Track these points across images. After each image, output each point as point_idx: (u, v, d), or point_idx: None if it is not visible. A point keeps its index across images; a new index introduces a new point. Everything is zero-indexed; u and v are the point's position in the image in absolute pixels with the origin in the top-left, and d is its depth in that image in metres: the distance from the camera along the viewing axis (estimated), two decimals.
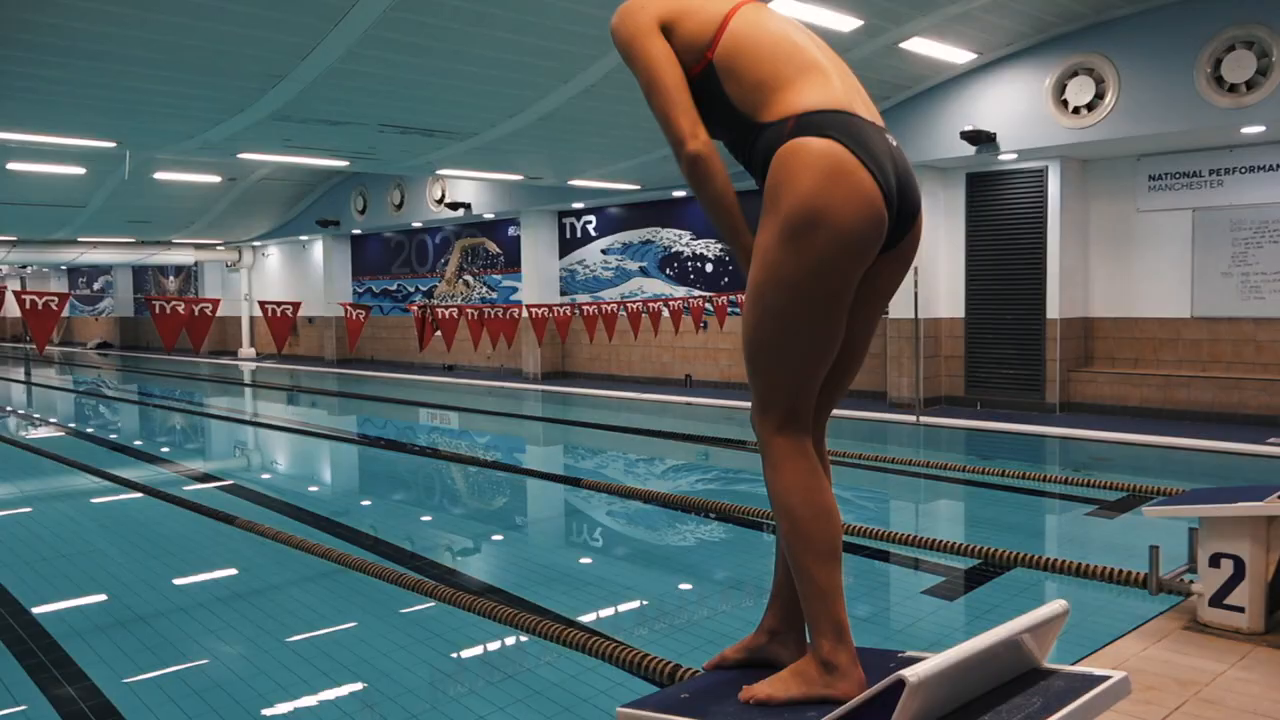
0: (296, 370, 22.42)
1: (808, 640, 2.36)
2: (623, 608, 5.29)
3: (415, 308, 8.67)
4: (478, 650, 4.61)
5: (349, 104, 9.36)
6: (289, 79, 8.30)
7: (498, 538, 7.26)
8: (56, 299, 4.60)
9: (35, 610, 5.27)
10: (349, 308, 9.49)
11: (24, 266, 37.44)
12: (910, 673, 1.64)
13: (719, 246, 16.10)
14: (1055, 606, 2.04)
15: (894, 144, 2.19)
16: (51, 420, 15.25)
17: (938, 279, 12.77)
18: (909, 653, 2.41)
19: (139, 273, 34.83)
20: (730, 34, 2.20)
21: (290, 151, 11.66)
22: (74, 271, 39.08)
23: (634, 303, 11.23)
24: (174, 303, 5.95)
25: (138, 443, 12.26)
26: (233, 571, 6.13)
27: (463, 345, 19.54)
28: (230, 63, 8.19)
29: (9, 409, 16.62)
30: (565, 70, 9.18)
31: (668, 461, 10.34)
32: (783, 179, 2.08)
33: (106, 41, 7.43)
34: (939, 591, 5.33)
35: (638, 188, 15.41)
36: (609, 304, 11.30)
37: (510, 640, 4.67)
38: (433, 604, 5.16)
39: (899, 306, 11.79)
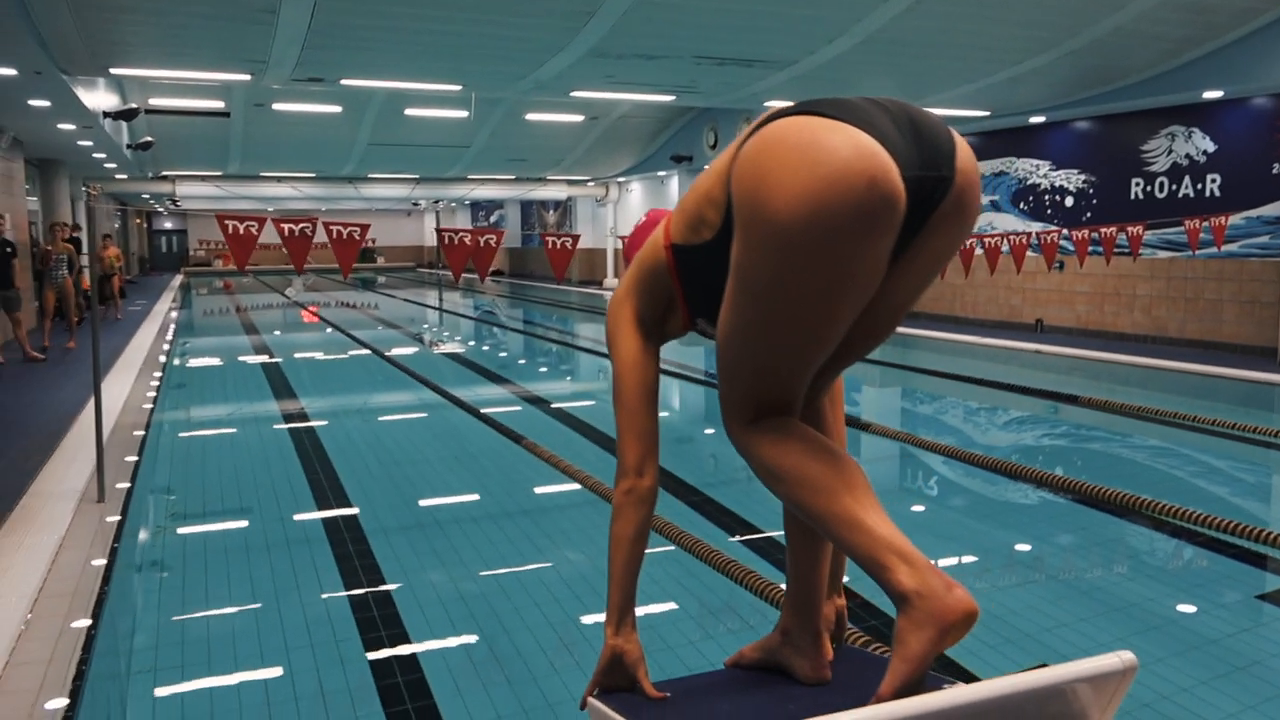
0: None
1: (827, 642, 2.09)
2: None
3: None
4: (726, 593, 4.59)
5: (661, 36, 9.42)
6: (599, 15, 8.51)
7: None
8: (359, 229, 5.13)
9: (355, 509, 5.98)
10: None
11: (437, 201, 42.23)
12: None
13: (1081, 177, 14.50)
14: (1119, 660, 1.59)
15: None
16: (423, 338, 17.16)
17: None
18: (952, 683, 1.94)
19: (525, 207, 38.07)
20: None
21: (615, 88, 12.01)
22: (475, 205, 43.53)
23: (991, 237, 10.42)
24: (563, 239, 6.46)
25: (494, 363, 13.50)
26: (523, 489, 6.55)
27: None
28: (543, 3, 8.55)
29: (389, 326, 19.01)
30: None
31: (1010, 416, 9.54)
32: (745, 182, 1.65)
33: None
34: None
35: (986, 114, 14.20)
36: (973, 238, 10.57)
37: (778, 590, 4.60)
38: (672, 548, 5.20)
39: None
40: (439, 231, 5.25)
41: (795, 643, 2.10)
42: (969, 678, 3.59)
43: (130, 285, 28.12)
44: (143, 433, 7.90)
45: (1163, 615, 4.24)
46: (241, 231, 5.00)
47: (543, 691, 3.59)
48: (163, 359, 12.84)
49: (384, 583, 4.68)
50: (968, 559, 5.11)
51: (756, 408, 1.82)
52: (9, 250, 11.67)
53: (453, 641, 4.03)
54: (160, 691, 3.60)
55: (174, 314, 20.48)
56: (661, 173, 25.81)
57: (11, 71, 9.51)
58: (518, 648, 3.94)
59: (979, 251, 10.15)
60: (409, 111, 19.57)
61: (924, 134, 1.67)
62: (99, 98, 13.87)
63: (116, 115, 14.36)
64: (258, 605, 4.43)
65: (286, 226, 5.14)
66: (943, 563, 5.02)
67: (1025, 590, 4.53)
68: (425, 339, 17.11)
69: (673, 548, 4.99)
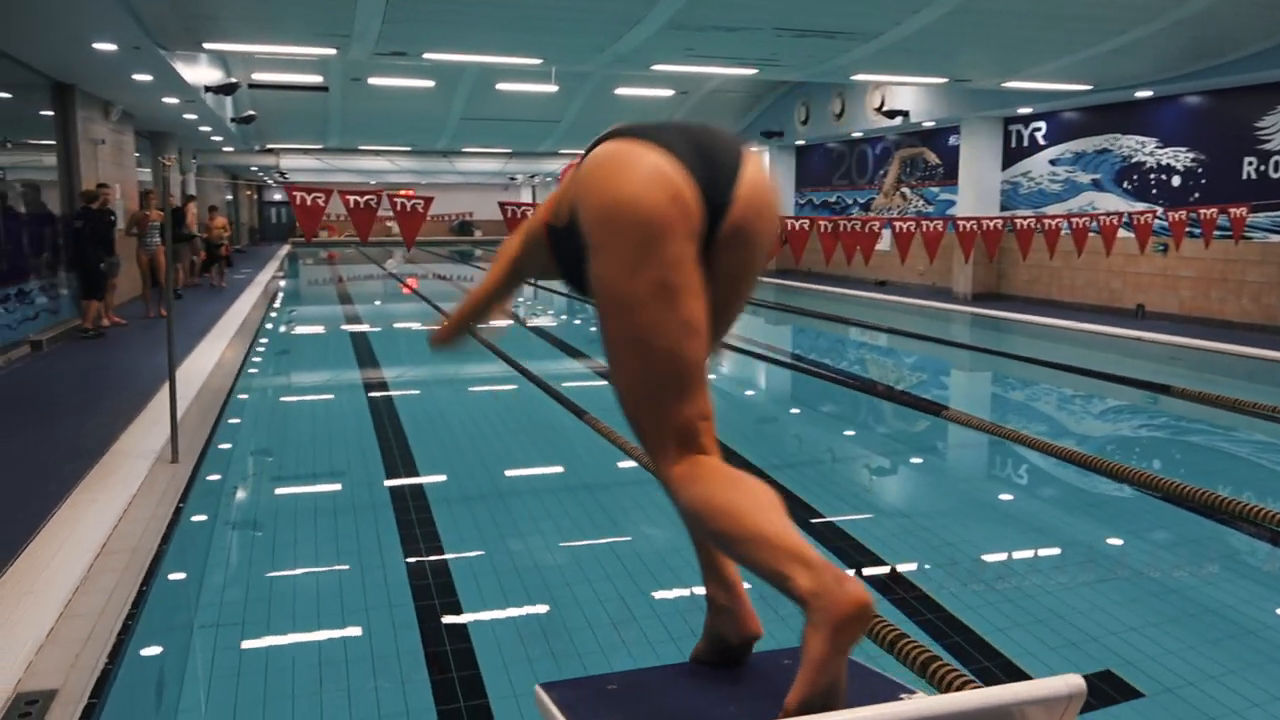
0: None
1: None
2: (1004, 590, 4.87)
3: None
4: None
5: (740, 8, 9.19)
6: None
7: (892, 486, 6.99)
8: (422, 202, 5.17)
9: (422, 478, 6.07)
10: (819, 220, 9.22)
11: (533, 176, 42.52)
12: None
13: (1189, 155, 13.78)
14: (1066, 684, 1.49)
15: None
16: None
17: None
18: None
19: None
20: None
21: (696, 61, 11.79)
22: None
23: (1079, 217, 9.97)
24: None
25: (570, 336, 13.55)
26: (583, 465, 6.55)
27: (896, 261, 18.92)
28: None
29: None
30: None
31: (1105, 406, 9.16)
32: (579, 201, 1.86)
33: None
34: None
35: (1088, 88, 13.56)
36: (1051, 218, 10.15)
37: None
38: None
39: None
40: (502, 205, 5.25)
41: (719, 609, 2.10)
42: (1024, 679, 3.45)
43: (239, 255, 29.10)
44: (226, 397, 8.16)
45: (1242, 625, 4.00)
46: (309, 203, 5.08)
47: (586, 669, 3.56)
48: (257, 326, 13.25)
49: (442, 552, 4.73)
50: (1045, 552, 4.93)
51: (675, 433, 1.79)
52: (111, 219, 12.15)
53: (503, 614, 4.05)
54: (215, 647, 3.71)
55: (275, 283, 21.11)
56: (753, 148, 25.48)
57: (112, 47, 9.87)
58: (566, 624, 3.93)
59: (1065, 231, 9.72)
60: (500, 86, 19.71)
61: (713, 161, 1.81)
62: (201, 73, 14.31)
63: (217, 90, 14.81)
64: (317, 568, 4.53)
65: (352, 198, 5.21)
66: (1016, 555, 4.86)
67: (1095, 590, 4.33)
68: (505, 311, 17.27)
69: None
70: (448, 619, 3.95)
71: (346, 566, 4.57)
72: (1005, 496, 6.10)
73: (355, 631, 3.85)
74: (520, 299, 19.81)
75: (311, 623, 3.91)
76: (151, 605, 3.95)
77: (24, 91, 11.54)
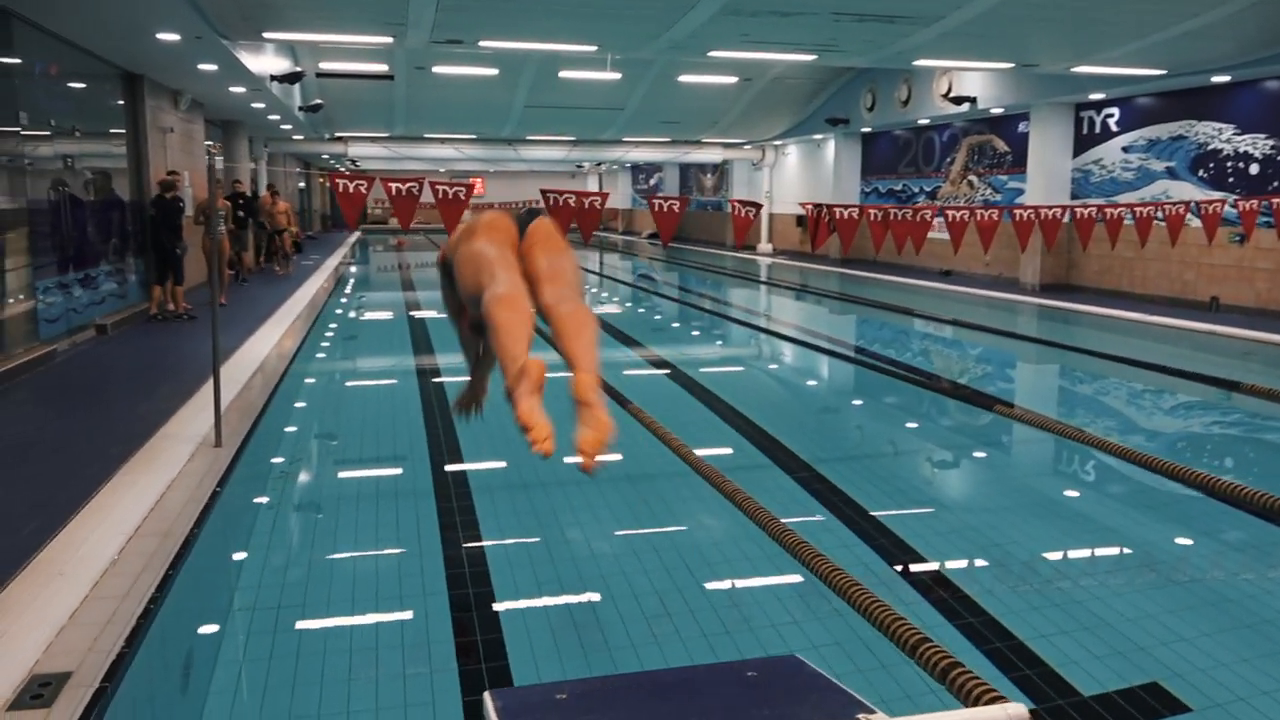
0: (805, 268, 22.99)
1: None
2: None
3: (810, 206, 8.27)
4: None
5: None
6: None
7: (946, 482, 6.82)
8: (464, 189, 5.14)
9: (465, 465, 6.06)
10: (868, 209, 8.98)
11: (599, 164, 42.58)
12: None
13: (1269, 142, 13.17)
14: (1005, 713, 1.42)
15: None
16: None
17: None
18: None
19: (683, 170, 37.93)
20: None
21: (753, 47, 11.56)
22: (635, 169, 43.71)
23: (1142, 206, 9.61)
24: (670, 203, 6.43)
25: (626, 324, 13.50)
26: (625, 455, 6.47)
27: (963, 251, 18.49)
28: None
29: None
30: None
31: (1175, 402, 8.83)
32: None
33: None
34: None
35: (1161, 73, 13.02)
36: (1114, 207, 9.79)
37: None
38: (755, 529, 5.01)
39: None
40: (543, 192, 5.20)
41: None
42: (1069, 691, 3.31)
43: (310, 241, 29.57)
44: (277, 383, 8.27)
45: None
46: (351, 190, 5.09)
47: (616, 664, 3.53)
48: (317, 313, 13.45)
49: (480, 540, 4.72)
50: (1098, 555, 4.74)
51: (490, 289, 2.62)
52: (180, 205, 12.43)
53: (537, 604, 4.03)
54: (240, 632, 3.73)
55: (340, 269, 21.43)
56: (818, 136, 25.13)
57: (175, 37, 10.05)
58: (599, 617, 3.89)
59: (1128, 221, 9.35)
60: (563, 74, 19.70)
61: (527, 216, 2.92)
62: (267, 62, 14.54)
63: (283, 79, 15.03)
64: (353, 554, 4.55)
65: (394, 185, 5.22)
66: (1072, 554, 4.70)
67: (1147, 596, 4.16)
68: None
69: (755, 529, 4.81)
70: (481, 609, 3.92)
71: (383, 553, 4.58)
72: (1062, 496, 5.89)
73: (388, 618, 3.84)
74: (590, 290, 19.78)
75: (345, 609, 3.92)
76: (177, 589, 3.98)
77: (96, 81, 11.83)
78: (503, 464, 6.17)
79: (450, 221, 5.18)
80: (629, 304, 17.49)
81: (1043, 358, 11.42)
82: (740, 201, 6.14)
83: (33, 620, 3.50)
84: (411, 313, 14.80)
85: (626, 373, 9.53)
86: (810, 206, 8.19)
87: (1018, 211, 9.29)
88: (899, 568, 4.42)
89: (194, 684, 3.53)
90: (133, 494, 4.89)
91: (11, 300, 8.71)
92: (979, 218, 8.54)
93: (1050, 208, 9.02)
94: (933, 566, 4.46)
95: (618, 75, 20.11)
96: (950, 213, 8.27)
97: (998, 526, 5.09)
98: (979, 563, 4.57)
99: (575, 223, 5.50)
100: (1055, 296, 15.62)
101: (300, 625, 3.77)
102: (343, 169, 39.96)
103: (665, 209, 5.48)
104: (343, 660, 3.50)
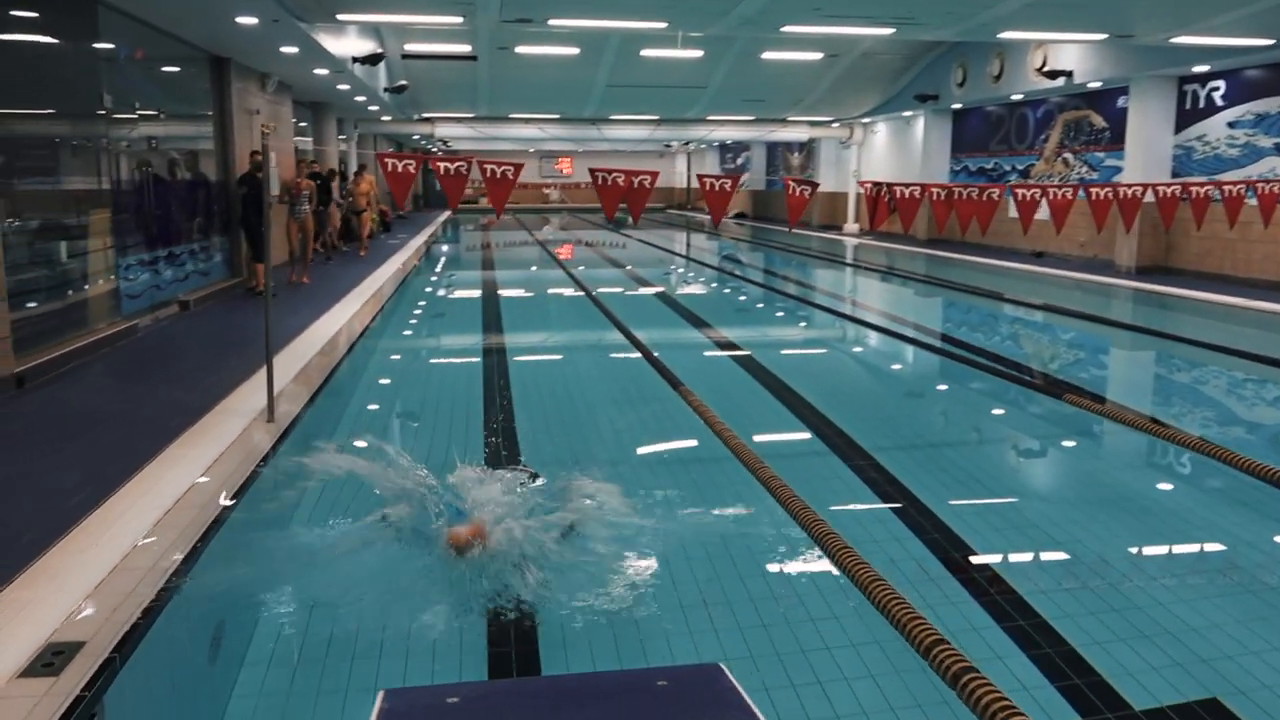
0: (891, 248, 22.45)
1: None
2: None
3: (868, 185, 7.91)
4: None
5: None
6: None
7: (1015, 475, 6.54)
8: (512, 169, 5.05)
9: (519, 445, 6.00)
10: (930, 188, 8.57)
11: (688, 143, 42.29)
12: None
13: None
14: None
15: None
16: (638, 278, 17.18)
17: None
18: None
19: (771, 149, 37.39)
20: None
21: (826, 21, 11.16)
22: (723, 148, 43.30)
23: (1232, 184, 9.03)
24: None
25: (698, 306, 13.34)
26: (674, 437, 6.33)
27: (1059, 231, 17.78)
28: None
29: (612, 265, 19.21)
30: None
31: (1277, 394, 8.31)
32: None
33: None
34: None
35: (1270, 43, 12.16)
36: (1229, 184, 9.20)
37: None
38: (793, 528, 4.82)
39: None
40: (592, 171, 5.08)
41: None
42: (1120, 703, 3.10)
43: (400, 220, 29.99)
44: (340, 360, 8.36)
45: None
46: (400, 170, 5.06)
47: (647, 657, 3.44)
48: (393, 292, 13.61)
49: None
50: (1172, 557, 4.44)
51: None
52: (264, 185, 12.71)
53: (569, 593, 3.86)
54: (268, 611, 3.68)
55: (424, 249, 21.71)
56: (907, 113, 24.44)
57: (253, 20, 10.23)
58: (634, 610, 3.73)
59: (1215, 200, 8.76)
60: (644, 52, 19.53)
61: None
62: (349, 44, 14.72)
63: (363, 60, 15.21)
64: (387, 537, 4.48)
65: (442, 165, 5.16)
66: (1142, 557, 4.42)
67: (1216, 605, 3.87)
68: (640, 279, 17.13)
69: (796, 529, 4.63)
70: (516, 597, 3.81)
71: (420, 536, 4.50)
72: (1138, 493, 5.55)
73: (424, 600, 3.71)
74: (667, 271, 19.70)
75: (372, 592, 3.82)
76: (203, 563, 3.98)
77: (184, 65, 12.15)
78: (551, 444, 6.10)
79: (497, 200, 5.11)
80: (704, 284, 17.30)
81: (1136, 345, 10.86)
82: (795, 180, 5.93)
83: (60, 589, 3.56)
84: (485, 293, 14.88)
85: (689, 353, 9.40)
86: (869, 185, 7.88)
87: (1095, 190, 8.74)
88: (941, 562, 4.21)
89: (203, 658, 3.52)
90: (180, 467, 4.97)
91: (95, 277, 9.00)
92: (1053, 196, 8.10)
93: (1130, 186, 8.50)
94: (986, 562, 4.23)
95: (699, 53, 19.86)
96: (1019, 191, 7.87)
97: (1062, 524, 4.80)
98: (1037, 561, 4.33)
99: (625, 201, 5.37)
100: (1153, 280, 14.88)
101: (320, 607, 3.70)
102: (435, 150, 40.52)
103: (716, 188, 5.31)
104: (373, 644, 3.43)
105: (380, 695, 1.81)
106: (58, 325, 8.08)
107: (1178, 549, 4.61)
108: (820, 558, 4.21)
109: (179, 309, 10.92)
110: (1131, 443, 6.59)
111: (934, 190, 7.34)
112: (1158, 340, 10.79)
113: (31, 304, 7.67)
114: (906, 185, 7.13)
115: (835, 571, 4.07)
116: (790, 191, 6.49)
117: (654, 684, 1.86)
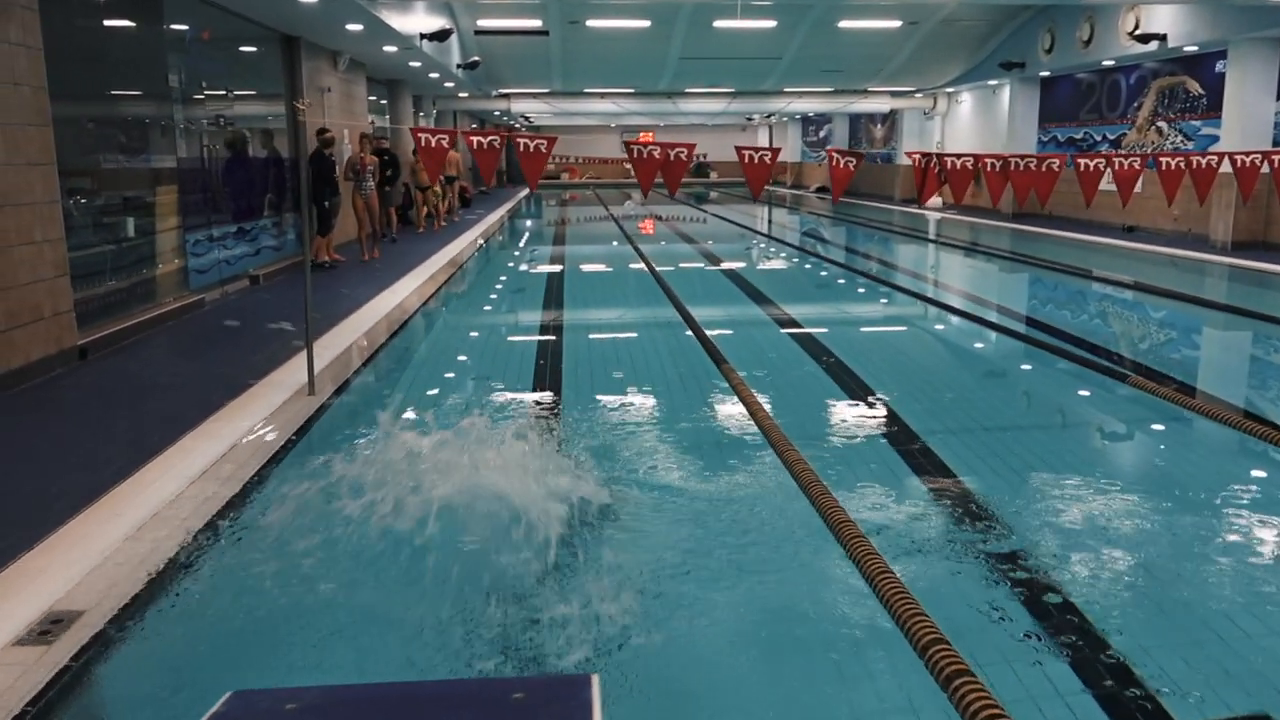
0: (976, 223, 21.77)
1: None
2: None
3: (918, 156, 7.53)
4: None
5: None
6: None
7: (1085, 464, 6.22)
8: (545, 143, 4.95)
9: (560, 424, 5.91)
10: (1014, 159, 8.16)
11: (769, 116, 41.67)
12: None
13: None
14: None
15: None
16: (708, 254, 16.94)
17: None
18: None
19: (853, 122, 36.59)
20: None
21: None
22: (805, 121, 42.60)
23: None
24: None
25: (764, 283, 13.09)
26: (710, 417, 6.17)
27: (1148, 204, 17.00)
28: None
29: (686, 240, 19.00)
30: None
31: None
32: None
33: None
34: None
35: None
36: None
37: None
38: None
39: None
40: (627, 144, 4.95)
41: None
42: (1161, 714, 2.87)
43: (482, 195, 30.16)
44: (390, 336, 8.38)
45: None
46: (433, 144, 5.01)
47: (659, 656, 3.26)
48: (458, 268, 13.66)
49: None
50: (1240, 562, 4.08)
51: None
52: (332, 160, 12.88)
53: (606, 580, 3.72)
54: (263, 579, 3.61)
55: (499, 225, 21.79)
56: (992, 81, 23.59)
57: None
58: (653, 608, 3.56)
59: None
60: (717, 24, 19.21)
61: None
62: (418, 21, 14.78)
63: (431, 36, 15.26)
64: (415, 517, 4.34)
65: (475, 139, 5.09)
66: (1205, 560, 4.08)
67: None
68: (709, 255, 16.90)
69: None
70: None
71: (448, 515, 4.40)
72: (1216, 490, 5.10)
73: (451, 580, 3.61)
74: (750, 249, 19.42)
75: (390, 576, 3.71)
76: (217, 537, 3.96)
77: (255, 43, 12.34)
78: (589, 426, 5.96)
79: (531, 175, 5.01)
80: (779, 260, 17.02)
81: (1230, 325, 10.24)
82: (839, 151, 5.70)
83: (73, 558, 3.59)
84: (552, 269, 14.84)
85: (744, 330, 9.21)
86: (918, 156, 7.54)
87: (1163, 159, 8.16)
88: (976, 556, 3.98)
89: (200, 630, 3.41)
90: (215, 439, 5.02)
91: (162, 253, 9.21)
92: (1118, 166, 7.61)
93: (1205, 155, 7.95)
94: (1031, 560, 3.97)
95: (772, 23, 19.46)
96: (1082, 161, 7.42)
97: (1119, 525, 4.43)
98: (1087, 559, 4.01)
99: (661, 175, 5.22)
100: (1250, 256, 14.09)
101: (335, 588, 3.58)
102: (517, 126, 40.66)
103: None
104: (382, 627, 3.35)
105: (225, 696, 1.74)
106: (123, 299, 8.29)
107: (1247, 556, 4.20)
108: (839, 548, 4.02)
109: (249, 283, 11.13)
110: (1212, 434, 6.18)
111: (989, 161, 6.95)
112: (1253, 320, 10.17)
113: (98, 278, 7.87)
114: (958, 156, 6.78)
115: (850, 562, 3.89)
116: (834, 164, 6.27)
117: (509, 696, 1.77)
